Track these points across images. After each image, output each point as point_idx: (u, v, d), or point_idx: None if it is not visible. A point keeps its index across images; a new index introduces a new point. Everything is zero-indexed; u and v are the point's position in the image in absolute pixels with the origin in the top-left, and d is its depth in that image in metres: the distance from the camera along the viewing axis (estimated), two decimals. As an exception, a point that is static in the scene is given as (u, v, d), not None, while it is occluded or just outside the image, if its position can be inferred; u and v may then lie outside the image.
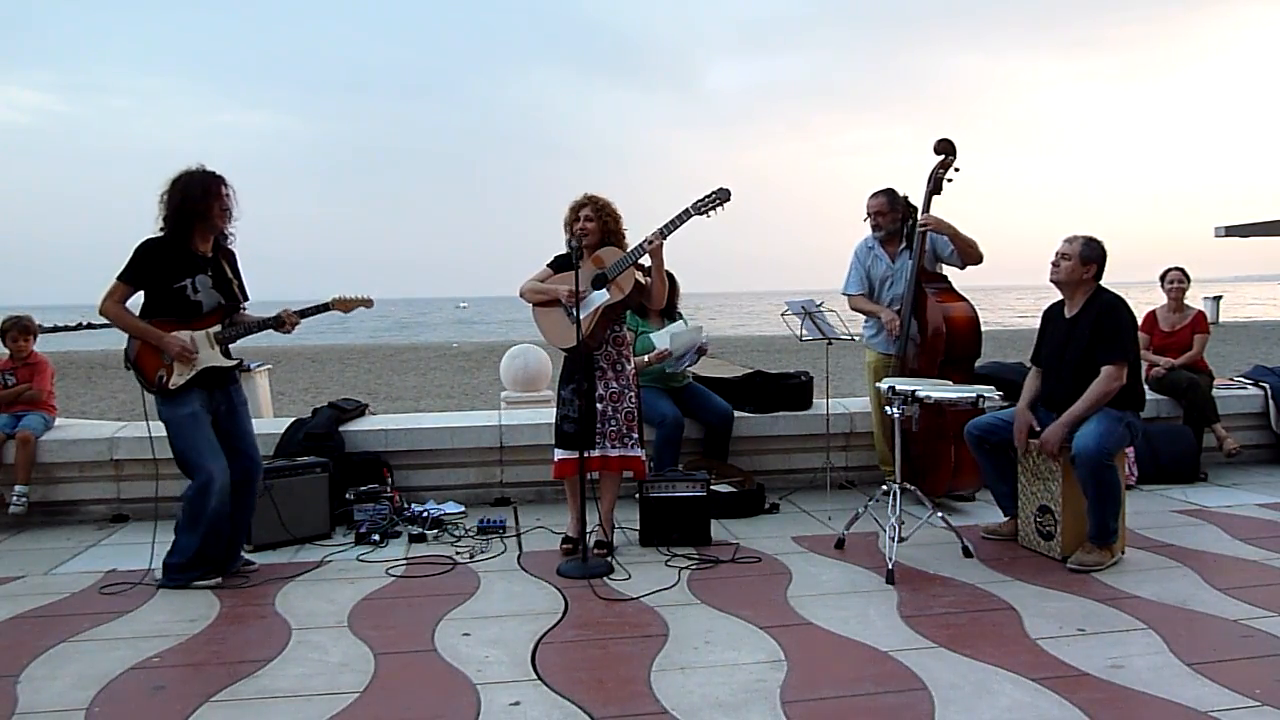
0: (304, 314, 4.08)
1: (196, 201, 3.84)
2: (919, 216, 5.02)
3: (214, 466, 3.87)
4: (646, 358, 5.17)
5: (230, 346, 4.05)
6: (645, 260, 4.27)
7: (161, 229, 3.88)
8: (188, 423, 3.87)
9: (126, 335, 3.92)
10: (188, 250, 3.90)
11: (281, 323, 4.05)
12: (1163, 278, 6.50)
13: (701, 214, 4.13)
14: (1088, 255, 4.17)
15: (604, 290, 4.23)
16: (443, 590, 3.92)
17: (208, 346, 3.93)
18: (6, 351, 5.48)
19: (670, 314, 5.53)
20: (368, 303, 4.18)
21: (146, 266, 3.83)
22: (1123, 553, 4.19)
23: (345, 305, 4.14)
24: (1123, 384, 4.04)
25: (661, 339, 5.18)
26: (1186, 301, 6.49)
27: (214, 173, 3.90)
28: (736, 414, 5.55)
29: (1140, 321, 6.48)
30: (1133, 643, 3.23)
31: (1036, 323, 4.56)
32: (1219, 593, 3.73)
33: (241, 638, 3.44)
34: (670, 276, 5.42)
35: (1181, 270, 6.47)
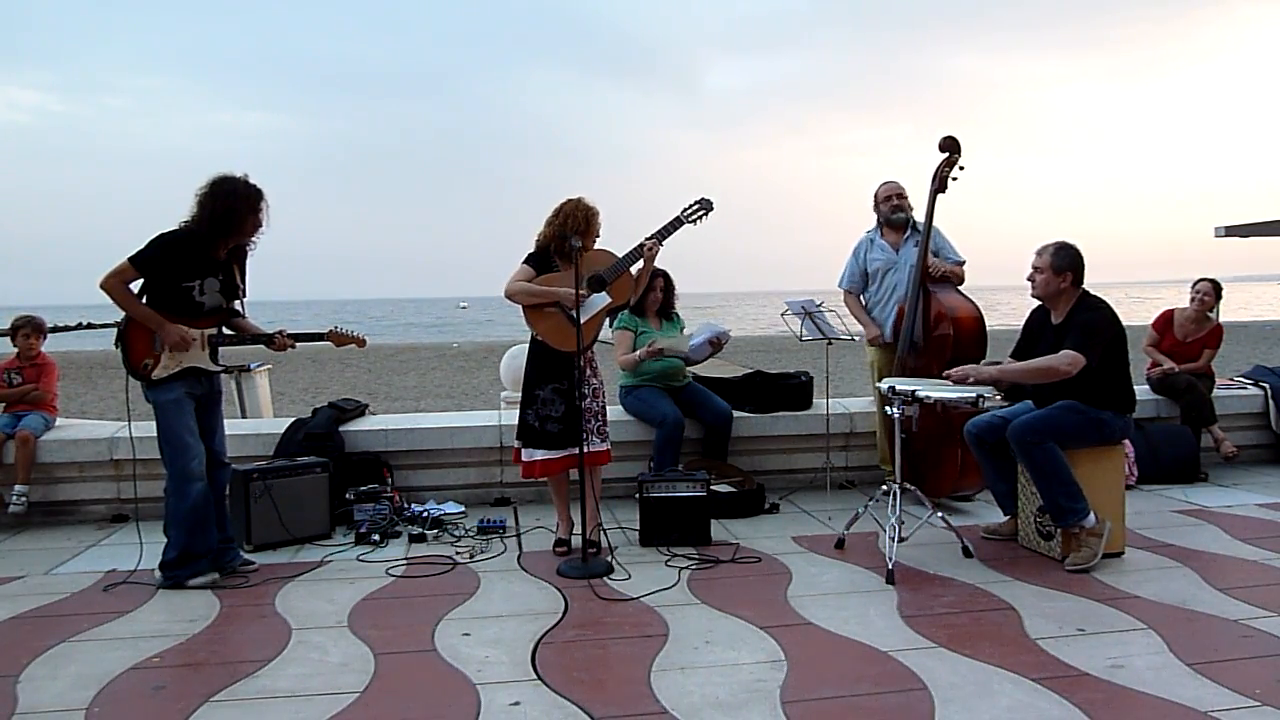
0: (297, 339, 4.12)
1: (238, 214, 3.87)
2: (928, 261, 5.01)
3: (194, 453, 3.91)
4: (639, 353, 5.17)
5: (220, 350, 4.06)
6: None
7: (187, 224, 3.86)
8: (172, 408, 3.90)
9: (122, 313, 3.91)
10: (206, 253, 3.91)
11: (273, 341, 4.08)
12: (1193, 285, 6.35)
13: (690, 222, 4.39)
14: (1060, 265, 4.14)
15: (604, 293, 4.30)
16: (443, 590, 3.92)
17: (199, 348, 3.95)
18: (14, 350, 5.48)
19: (666, 314, 5.54)
20: (360, 342, 4.24)
21: (162, 260, 3.84)
22: (1123, 552, 4.19)
23: (338, 339, 4.18)
24: (1071, 374, 3.98)
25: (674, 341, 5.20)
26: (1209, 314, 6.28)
27: (257, 188, 3.91)
28: (736, 414, 5.54)
29: (1155, 318, 6.45)
30: (1133, 643, 3.23)
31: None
32: (1219, 593, 3.74)
33: (241, 638, 3.45)
34: (666, 276, 5.45)
35: (1211, 282, 6.25)
